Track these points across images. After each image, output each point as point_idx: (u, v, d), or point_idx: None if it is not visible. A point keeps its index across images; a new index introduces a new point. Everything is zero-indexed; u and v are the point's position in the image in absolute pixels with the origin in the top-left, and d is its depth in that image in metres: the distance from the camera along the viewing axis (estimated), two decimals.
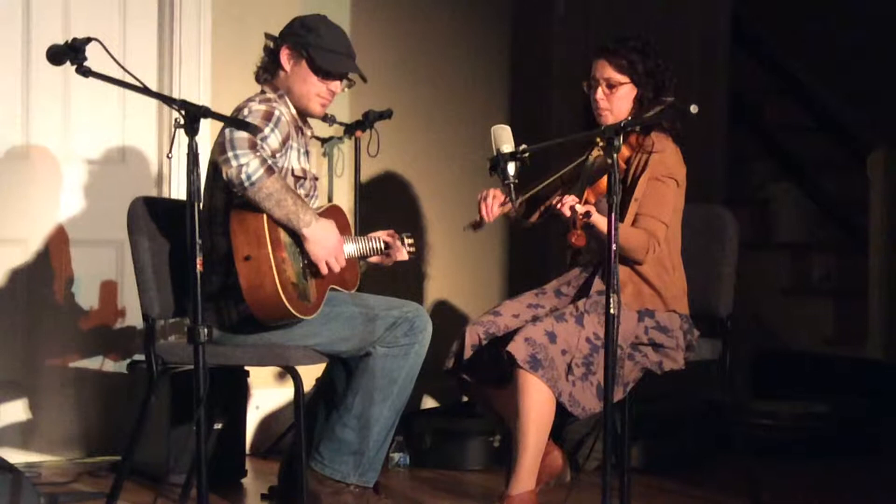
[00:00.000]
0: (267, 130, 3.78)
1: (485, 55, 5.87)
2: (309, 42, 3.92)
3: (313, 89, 3.96)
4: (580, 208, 3.77)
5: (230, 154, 3.65)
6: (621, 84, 4.02)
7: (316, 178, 4.09)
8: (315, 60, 3.93)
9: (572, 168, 4.12)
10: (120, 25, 5.06)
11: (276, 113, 3.84)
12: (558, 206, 3.83)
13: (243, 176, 3.64)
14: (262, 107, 3.84)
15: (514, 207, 3.97)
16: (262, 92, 3.98)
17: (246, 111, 3.82)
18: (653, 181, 3.98)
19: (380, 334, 3.91)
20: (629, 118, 3.93)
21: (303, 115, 4.02)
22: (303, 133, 4.03)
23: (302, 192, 3.93)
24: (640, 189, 3.97)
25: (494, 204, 4.01)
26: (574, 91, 4.22)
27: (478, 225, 4.04)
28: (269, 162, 3.70)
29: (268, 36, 4.01)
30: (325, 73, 3.95)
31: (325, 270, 3.84)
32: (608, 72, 4.03)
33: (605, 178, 3.89)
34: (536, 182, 4.07)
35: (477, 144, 4.92)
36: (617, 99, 4.02)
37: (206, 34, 5.12)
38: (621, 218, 3.91)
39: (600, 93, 4.04)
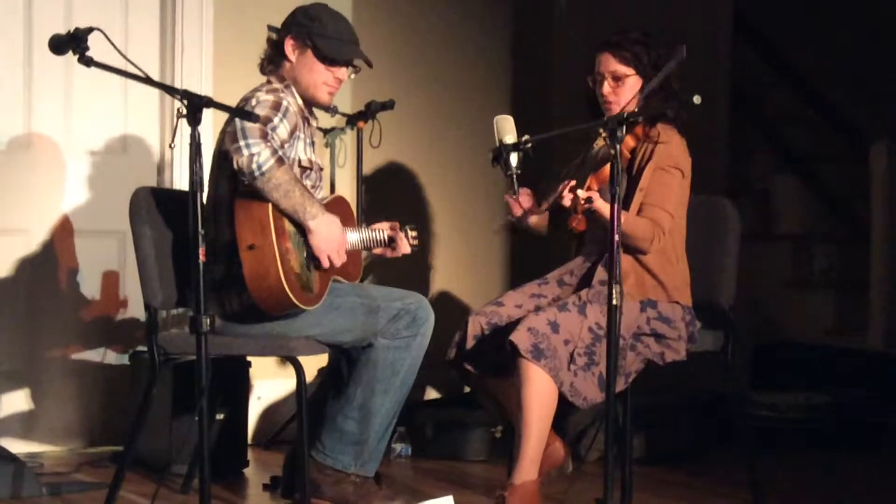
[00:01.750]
0: (276, 120, 3.78)
1: (487, 46, 5.87)
2: (313, 31, 3.92)
3: (319, 77, 3.96)
4: (582, 193, 3.77)
5: (242, 143, 3.65)
6: (627, 76, 4.01)
7: (321, 169, 4.09)
8: (320, 48, 3.93)
9: (579, 162, 4.12)
10: (122, 15, 5.06)
11: (285, 103, 3.84)
12: (560, 196, 3.84)
13: (254, 165, 3.64)
14: (270, 97, 3.84)
15: (514, 198, 3.97)
16: (269, 82, 3.97)
17: (254, 101, 3.82)
18: (658, 171, 3.98)
19: (382, 326, 3.91)
20: (636, 109, 3.92)
21: (309, 105, 4.02)
22: (309, 124, 4.03)
23: (308, 182, 3.93)
24: (645, 179, 3.97)
25: (525, 200, 3.99)
26: (576, 81, 4.21)
27: (510, 225, 4.03)
28: (280, 153, 3.71)
29: (271, 28, 4.01)
30: (330, 61, 3.95)
31: (326, 265, 3.84)
32: (613, 65, 4.02)
33: (608, 167, 3.89)
34: (551, 194, 4.01)
35: (479, 135, 4.93)
36: (623, 92, 4.01)
37: (207, 24, 5.11)
38: (627, 208, 3.91)
39: (607, 87, 4.03)
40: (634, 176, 3.98)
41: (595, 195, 3.80)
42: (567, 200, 3.81)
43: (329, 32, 3.94)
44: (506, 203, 4.05)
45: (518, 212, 4.03)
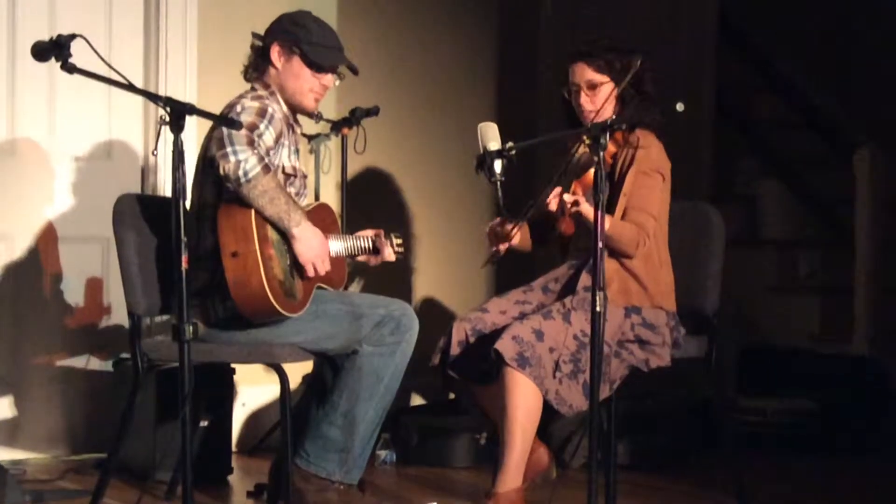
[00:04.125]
0: (262, 127, 3.77)
1: (472, 52, 5.87)
2: (299, 38, 3.92)
3: (306, 84, 3.96)
4: (568, 197, 3.78)
5: (228, 149, 3.65)
6: (602, 84, 4.03)
7: (305, 176, 4.09)
8: (307, 55, 3.93)
9: (559, 173, 4.12)
10: (106, 21, 5.04)
11: (270, 109, 3.84)
12: (546, 203, 3.84)
13: (241, 172, 3.64)
14: (256, 103, 3.83)
15: (502, 206, 3.97)
16: (253, 89, 3.97)
17: (239, 108, 3.81)
18: (640, 175, 3.99)
19: (366, 332, 3.91)
20: (614, 116, 3.93)
21: (294, 111, 4.02)
22: (293, 130, 4.03)
23: (292, 190, 3.93)
24: (628, 183, 3.98)
25: (503, 233, 3.99)
26: (561, 88, 4.22)
27: (495, 257, 4.02)
28: (266, 160, 3.70)
29: (255, 35, 4.00)
30: (317, 67, 3.95)
31: (311, 273, 3.83)
32: (587, 74, 4.04)
33: (591, 172, 3.90)
34: (527, 207, 4.02)
35: (463, 141, 4.93)
36: (600, 100, 4.03)
37: (192, 30, 5.10)
38: (611, 212, 3.92)
39: (583, 97, 4.05)
40: (617, 181, 4.00)
41: (581, 198, 3.82)
42: (553, 205, 3.82)
43: (315, 39, 3.94)
44: (487, 236, 4.06)
45: (503, 246, 4.01)
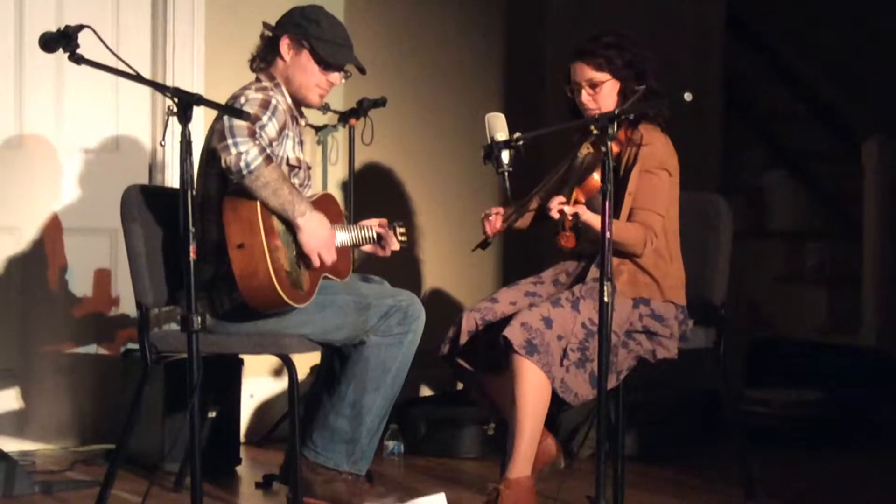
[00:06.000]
0: (265, 119, 3.77)
1: (479, 43, 5.86)
2: (310, 32, 3.92)
3: (313, 80, 3.96)
4: (568, 209, 3.77)
5: (230, 141, 3.65)
6: (603, 82, 4.02)
7: (309, 168, 4.09)
8: (317, 51, 3.92)
9: (563, 172, 4.12)
10: (113, 12, 5.05)
11: (273, 101, 3.83)
12: (548, 209, 3.85)
13: (242, 164, 3.63)
14: (259, 95, 3.83)
15: (509, 196, 3.97)
16: (258, 80, 3.97)
17: (243, 99, 3.82)
18: (645, 174, 3.98)
19: (373, 323, 3.91)
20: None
21: (298, 104, 4.02)
22: (298, 122, 4.02)
23: (296, 181, 3.93)
24: (632, 183, 3.97)
25: (497, 220, 4.05)
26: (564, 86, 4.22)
27: (485, 244, 4.07)
28: (268, 151, 3.70)
29: (266, 25, 4.00)
30: (326, 65, 3.95)
31: (317, 263, 3.83)
32: (588, 73, 4.03)
33: (593, 176, 3.91)
34: (531, 193, 4.06)
35: (471, 132, 4.93)
36: (602, 97, 4.02)
37: (199, 21, 5.11)
38: (616, 214, 3.91)
39: (585, 95, 4.04)
40: (621, 181, 3.98)
41: (582, 209, 3.81)
42: (555, 213, 3.82)
43: (326, 36, 3.94)
44: (482, 221, 4.08)
45: (489, 232, 4.06)
